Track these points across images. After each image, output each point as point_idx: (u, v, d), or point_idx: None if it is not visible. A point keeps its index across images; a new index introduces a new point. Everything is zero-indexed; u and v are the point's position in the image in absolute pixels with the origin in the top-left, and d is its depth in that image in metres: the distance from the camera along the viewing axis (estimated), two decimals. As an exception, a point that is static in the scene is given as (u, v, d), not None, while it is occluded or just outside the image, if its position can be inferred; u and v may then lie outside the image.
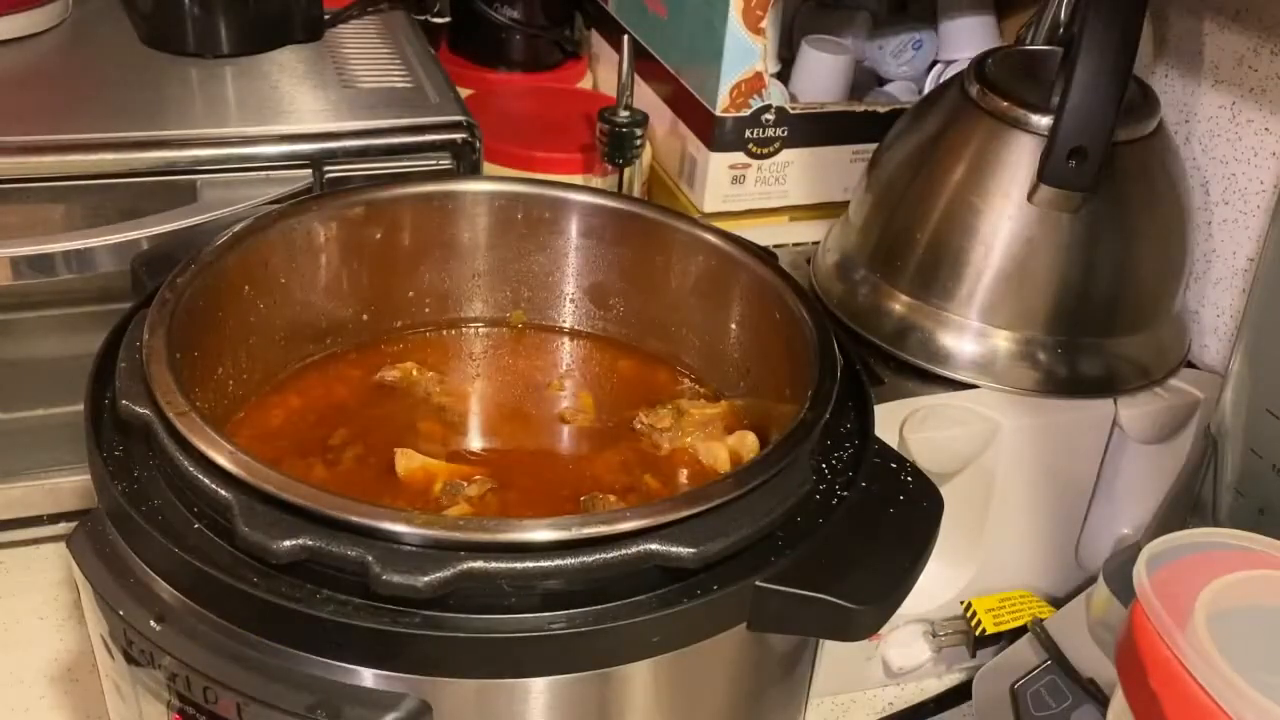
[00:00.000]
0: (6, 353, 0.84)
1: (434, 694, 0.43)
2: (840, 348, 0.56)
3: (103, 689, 0.52)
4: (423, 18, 1.03)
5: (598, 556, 0.43)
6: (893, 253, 0.73)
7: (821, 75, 0.94)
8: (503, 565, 0.42)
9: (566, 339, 0.68)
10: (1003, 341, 0.70)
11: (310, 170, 0.73)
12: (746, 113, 0.87)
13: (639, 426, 0.62)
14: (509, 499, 0.56)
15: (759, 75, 0.86)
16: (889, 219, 0.74)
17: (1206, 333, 0.79)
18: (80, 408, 0.50)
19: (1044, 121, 0.67)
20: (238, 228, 0.58)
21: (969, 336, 0.70)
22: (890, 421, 0.66)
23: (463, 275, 0.67)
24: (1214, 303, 0.79)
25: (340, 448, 0.58)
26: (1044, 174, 0.66)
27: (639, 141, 0.91)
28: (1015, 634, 0.69)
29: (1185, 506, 0.69)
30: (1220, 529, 0.52)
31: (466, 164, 0.76)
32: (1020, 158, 0.68)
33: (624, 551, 0.43)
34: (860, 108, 0.91)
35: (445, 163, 0.75)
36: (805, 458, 0.50)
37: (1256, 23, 0.73)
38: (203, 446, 0.45)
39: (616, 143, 0.90)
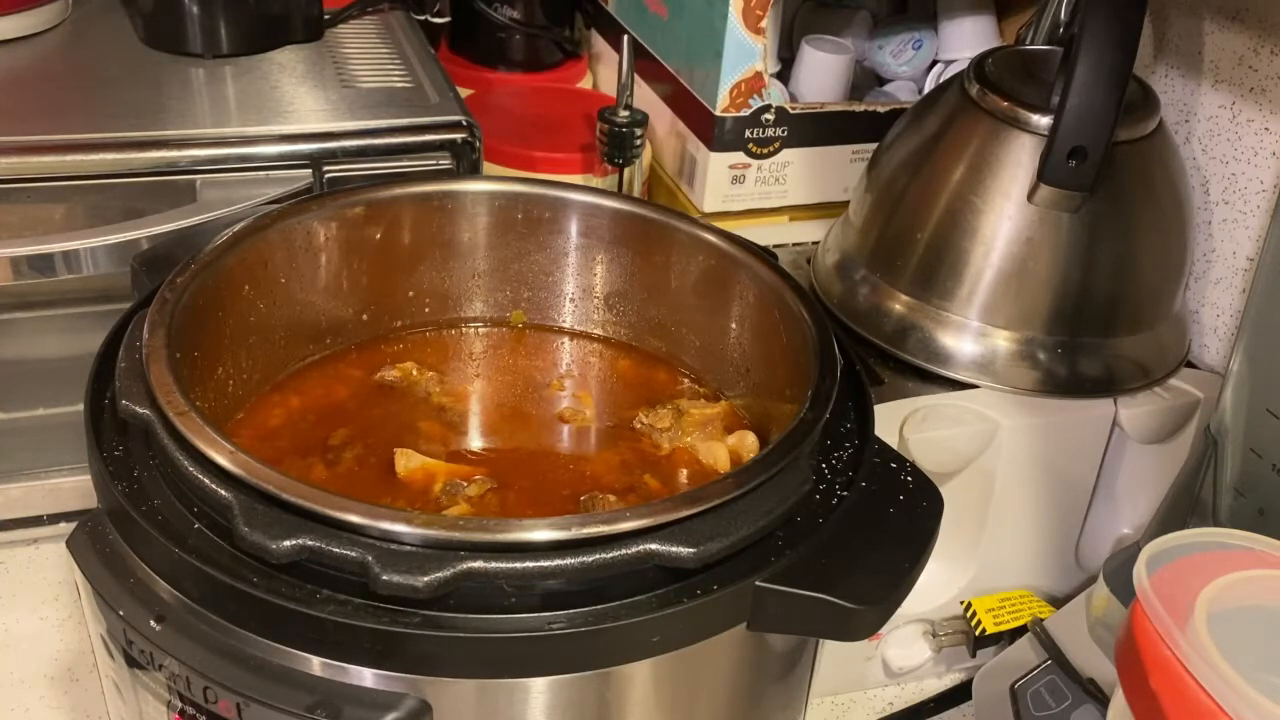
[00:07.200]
0: (6, 353, 0.84)
1: (434, 694, 0.43)
2: (840, 348, 0.56)
3: (103, 689, 0.52)
4: (423, 18, 1.03)
5: (598, 556, 0.43)
6: (893, 253, 0.73)
7: (821, 75, 0.94)
8: (503, 565, 0.42)
9: (566, 339, 0.68)
10: (1003, 341, 0.70)
11: (310, 170, 0.73)
12: (746, 113, 0.87)
13: (639, 426, 0.62)
14: (509, 499, 0.56)
15: (759, 75, 0.86)
16: (889, 219, 0.74)
17: (1206, 333, 0.79)
18: (80, 408, 0.50)
19: (1044, 121, 0.67)
20: (237, 228, 0.58)
21: (969, 336, 0.70)
22: (890, 421, 0.66)
23: (463, 275, 0.67)
24: (1214, 303, 0.79)
25: (340, 448, 0.58)
26: (1044, 174, 0.67)
27: (639, 141, 0.91)
28: (1015, 634, 0.69)
29: (1185, 506, 0.69)
30: (1220, 529, 0.52)
31: (466, 164, 0.76)
32: (1020, 158, 0.68)
33: (624, 551, 0.43)
34: (860, 108, 0.91)
35: (445, 163, 0.75)
36: (805, 458, 0.50)
37: (1256, 23, 0.73)
38: (203, 446, 0.45)
39: (616, 143, 0.90)
